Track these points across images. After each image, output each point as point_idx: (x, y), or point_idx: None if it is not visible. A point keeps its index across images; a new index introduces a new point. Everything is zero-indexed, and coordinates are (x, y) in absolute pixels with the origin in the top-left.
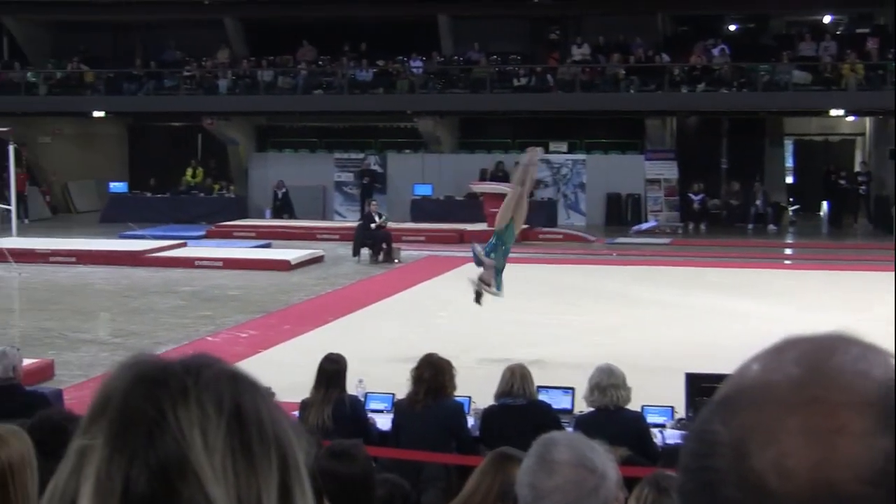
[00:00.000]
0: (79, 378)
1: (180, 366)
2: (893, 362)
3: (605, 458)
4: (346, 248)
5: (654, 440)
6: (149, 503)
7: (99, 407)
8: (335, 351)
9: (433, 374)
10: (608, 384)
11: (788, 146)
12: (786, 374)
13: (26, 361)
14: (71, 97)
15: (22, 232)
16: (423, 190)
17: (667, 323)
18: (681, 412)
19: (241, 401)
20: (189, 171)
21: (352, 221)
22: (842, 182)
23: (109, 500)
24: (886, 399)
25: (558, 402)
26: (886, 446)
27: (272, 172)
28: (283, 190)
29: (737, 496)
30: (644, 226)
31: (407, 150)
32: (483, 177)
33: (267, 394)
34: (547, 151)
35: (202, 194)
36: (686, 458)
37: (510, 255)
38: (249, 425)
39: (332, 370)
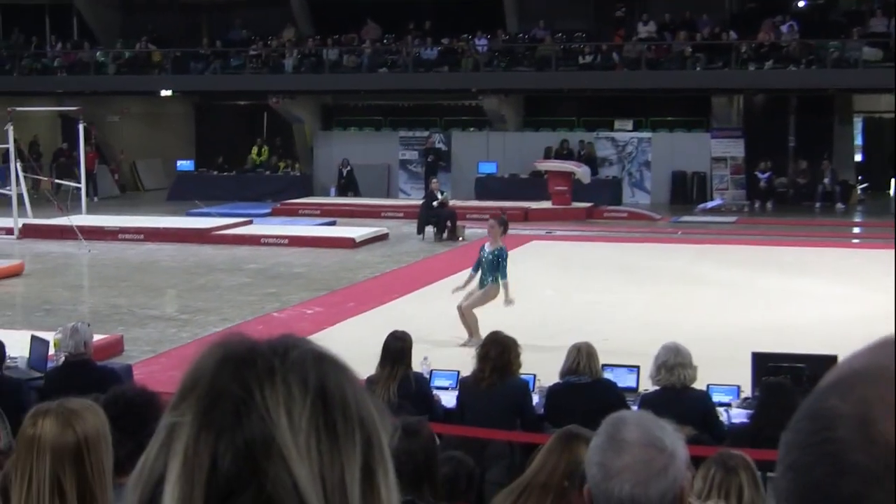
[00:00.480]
0: (147, 354)
1: (267, 346)
2: None
3: (674, 438)
4: (410, 226)
5: (720, 419)
6: (235, 480)
7: (188, 385)
8: (400, 328)
9: (499, 352)
10: (675, 363)
11: (858, 124)
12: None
13: (96, 337)
14: (139, 76)
15: (91, 209)
16: (488, 168)
17: (732, 302)
18: (747, 391)
19: (327, 381)
20: (255, 150)
21: (416, 199)
22: None
23: (197, 476)
24: None
25: (623, 380)
26: None
27: (337, 150)
28: (348, 168)
29: (864, 460)
30: (710, 204)
31: (471, 128)
32: (548, 155)
33: (353, 375)
34: (612, 129)
35: (268, 172)
36: (800, 435)
37: (575, 233)
38: (334, 406)
39: (397, 347)
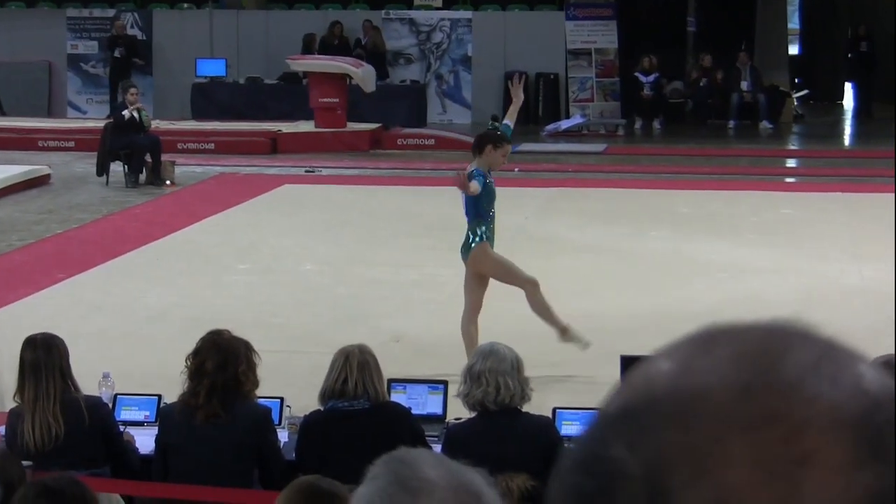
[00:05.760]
0: None
1: None
2: (867, 367)
3: (486, 486)
4: (86, 163)
5: None
6: None
7: None
8: (64, 329)
9: (221, 363)
10: (484, 369)
11: None
12: (721, 379)
13: None
14: None
15: None
16: (212, 68)
17: (598, 277)
18: None
19: None
20: None
21: (97, 119)
22: (877, 52)
23: None
24: (866, 418)
25: (422, 404)
26: (870, 482)
27: None
28: None
29: None
30: (564, 124)
31: (185, 5)
32: (309, 47)
33: None
34: (410, 6)
35: None
36: (568, 497)
37: (353, 172)
38: None
39: (37, 360)
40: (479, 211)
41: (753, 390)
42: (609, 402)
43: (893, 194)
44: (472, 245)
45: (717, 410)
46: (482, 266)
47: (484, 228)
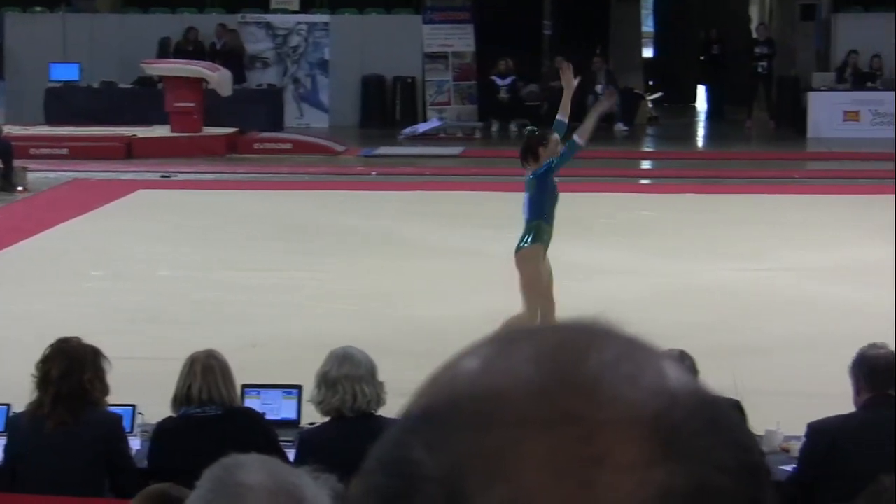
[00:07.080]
0: None
1: None
2: (668, 365)
3: (313, 490)
4: None
5: None
6: None
7: None
8: None
9: (66, 371)
10: (341, 375)
11: (647, 0)
12: (521, 380)
13: None
14: None
15: None
16: (66, 72)
17: (459, 282)
18: None
19: None
20: None
21: None
22: (728, 56)
23: None
24: (663, 416)
25: (276, 409)
26: (663, 481)
27: None
28: None
29: None
30: (421, 127)
31: (38, 8)
32: (165, 51)
33: None
34: (266, 10)
35: None
36: (370, 498)
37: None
38: None
39: None
40: (543, 210)
41: (551, 390)
42: (412, 403)
43: (893, 195)
44: (523, 245)
45: (516, 411)
46: (522, 266)
47: (534, 233)
